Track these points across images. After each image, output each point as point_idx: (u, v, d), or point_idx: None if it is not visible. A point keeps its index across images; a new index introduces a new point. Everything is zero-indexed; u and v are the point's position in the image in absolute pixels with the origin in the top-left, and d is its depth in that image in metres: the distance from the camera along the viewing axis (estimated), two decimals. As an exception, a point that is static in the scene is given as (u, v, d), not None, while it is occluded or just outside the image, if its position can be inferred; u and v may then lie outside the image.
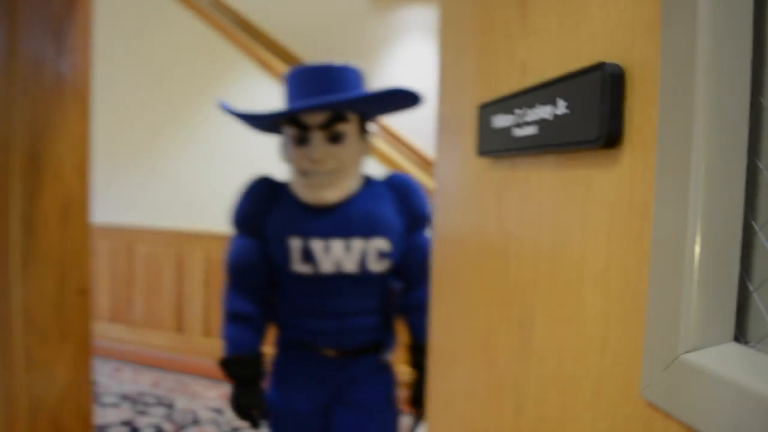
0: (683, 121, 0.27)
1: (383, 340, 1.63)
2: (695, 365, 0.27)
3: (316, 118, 1.46)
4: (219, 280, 4.37)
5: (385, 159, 3.98)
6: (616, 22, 0.35)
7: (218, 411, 3.53)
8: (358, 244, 1.50)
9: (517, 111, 0.46)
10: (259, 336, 1.65)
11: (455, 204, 0.64)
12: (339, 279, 1.52)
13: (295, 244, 1.50)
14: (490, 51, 0.54)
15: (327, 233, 1.50)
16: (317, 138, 1.46)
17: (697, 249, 0.27)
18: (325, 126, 1.46)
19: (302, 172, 1.51)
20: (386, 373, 1.66)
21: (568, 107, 0.39)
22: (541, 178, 0.45)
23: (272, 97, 3.89)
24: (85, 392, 1.53)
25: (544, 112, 0.42)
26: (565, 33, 0.41)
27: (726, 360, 0.26)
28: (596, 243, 0.37)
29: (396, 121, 4.84)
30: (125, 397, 3.61)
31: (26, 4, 1.27)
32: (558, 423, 0.42)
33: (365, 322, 1.57)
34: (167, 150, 4.66)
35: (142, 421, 3.25)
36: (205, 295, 4.53)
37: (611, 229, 0.35)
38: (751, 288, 0.27)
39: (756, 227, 0.26)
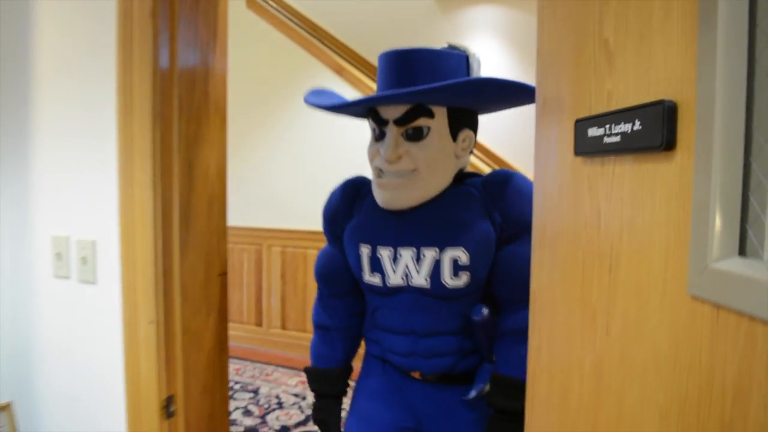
0: (708, 137, 0.50)
1: (475, 370, 1.40)
2: (718, 268, 0.49)
3: (392, 112, 1.28)
4: (294, 276, 4.63)
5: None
6: (672, 74, 0.57)
7: (300, 396, 3.76)
8: (430, 254, 1.29)
9: (606, 125, 0.68)
10: (336, 350, 1.57)
11: (555, 191, 0.86)
12: (410, 293, 1.35)
13: (364, 251, 1.37)
14: (584, 81, 0.76)
15: (396, 241, 1.33)
16: (392, 134, 1.28)
17: (717, 208, 0.49)
18: (402, 121, 1.27)
19: (377, 172, 1.35)
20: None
21: (641, 125, 0.61)
22: (623, 171, 0.67)
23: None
24: (224, 358, 1.83)
25: (625, 127, 0.64)
26: (638, 76, 0.63)
27: (734, 265, 0.49)
28: (660, 210, 0.59)
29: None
30: (212, 384, 3.90)
31: (182, 37, 1.57)
32: (636, 328, 0.64)
33: (442, 345, 1.35)
34: (249, 153, 4.92)
35: (230, 405, 3.54)
36: (283, 291, 4.74)
37: (669, 201, 0.58)
38: (747, 227, 0.49)
39: (750, 195, 0.49)
